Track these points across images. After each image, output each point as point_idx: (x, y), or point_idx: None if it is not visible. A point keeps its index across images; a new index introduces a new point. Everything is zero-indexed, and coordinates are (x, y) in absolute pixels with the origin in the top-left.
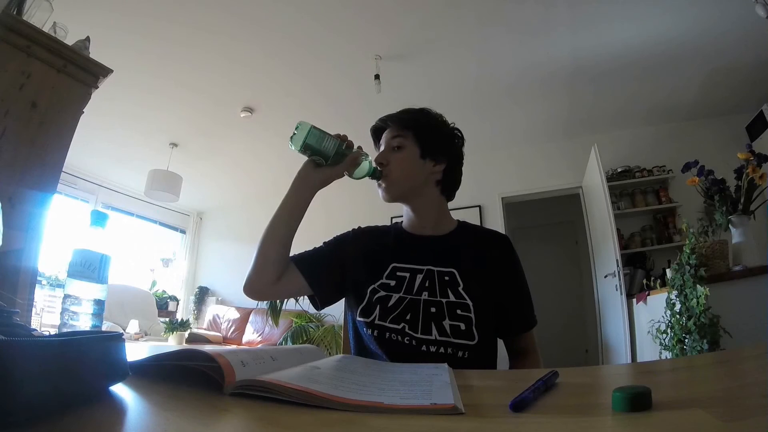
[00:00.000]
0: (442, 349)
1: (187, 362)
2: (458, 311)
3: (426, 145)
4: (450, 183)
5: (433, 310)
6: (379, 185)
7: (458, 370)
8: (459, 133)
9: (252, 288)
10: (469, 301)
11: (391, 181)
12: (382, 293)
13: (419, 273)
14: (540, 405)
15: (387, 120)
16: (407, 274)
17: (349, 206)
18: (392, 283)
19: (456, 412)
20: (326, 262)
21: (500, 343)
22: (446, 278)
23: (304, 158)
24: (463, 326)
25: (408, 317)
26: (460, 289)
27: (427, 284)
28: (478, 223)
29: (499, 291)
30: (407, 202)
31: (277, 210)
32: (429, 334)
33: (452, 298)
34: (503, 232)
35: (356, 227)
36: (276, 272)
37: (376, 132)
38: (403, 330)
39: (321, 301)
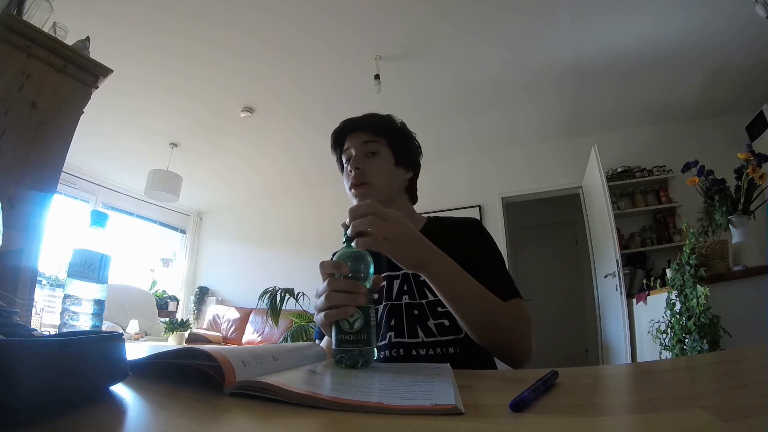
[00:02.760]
0: (431, 351)
1: (188, 360)
2: (438, 308)
3: (399, 152)
4: (413, 191)
5: (415, 312)
6: (356, 194)
7: (458, 370)
8: (419, 144)
9: None
10: None
11: (371, 187)
12: None
13: (396, 279)
14: (540, 405)
15: (358, 124)
16: (385, 282)
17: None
18: (375, 296)
19: (456, 412)
20: None
21: None
22: (421, 278)
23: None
24: (447, 322)
25: (393, 323)
26: None
27: (405, 288)
28: None
29: (471, 272)
30: None
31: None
32: (416, 337)
33: (431, 297)
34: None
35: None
36: None
37: (341, 134)
38: (389, 342)
39: None
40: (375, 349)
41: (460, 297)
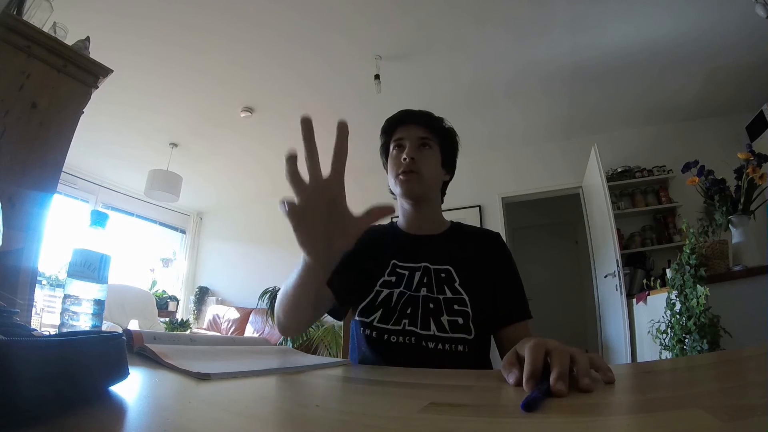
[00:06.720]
0: (440, 345)
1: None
2: (455, 306)
3: (446, 154)
4: (444, 193)
5: (431, 306)
6: (405, 180)
7: (467, 370)
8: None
9: (290, 333)
10: (465, 296)
11: (420, 177)
12: (385, 292)
13: (417, 270)
14: (548, 405)
15: (415, 117)
16: (406, 272)
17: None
18: (393, 279)
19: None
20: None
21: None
22: (443, 275)
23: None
24: (461, 320)
25: (408, 312)
26: (456, 284)
27: (425, 281)
28: (478, 224)
29: (492, 285)
30: (422, 202)
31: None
32: (428, 330)
33: (449, 294)
34: (499, 231)
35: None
36: (314, 314)
37: (395, 123)
38: (404, 329)
39: (344, 313)
40: None
41: None
